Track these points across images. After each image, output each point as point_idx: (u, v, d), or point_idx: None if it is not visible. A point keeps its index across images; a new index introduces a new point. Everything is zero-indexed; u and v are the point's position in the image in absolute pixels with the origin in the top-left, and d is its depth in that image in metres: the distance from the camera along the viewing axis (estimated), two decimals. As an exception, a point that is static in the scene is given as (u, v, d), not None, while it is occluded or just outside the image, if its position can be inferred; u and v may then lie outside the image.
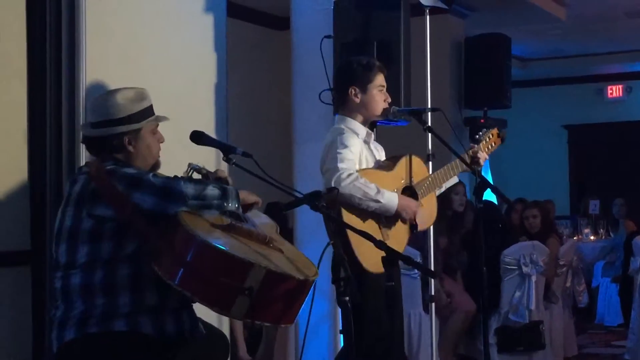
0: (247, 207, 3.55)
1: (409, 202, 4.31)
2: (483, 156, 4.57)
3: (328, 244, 3.38)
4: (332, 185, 4.12)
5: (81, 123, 3.94)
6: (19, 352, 3.96)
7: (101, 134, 3.44)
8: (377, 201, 4.17)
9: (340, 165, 4.17)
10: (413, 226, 4.40)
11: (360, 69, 4.44)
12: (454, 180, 4.63)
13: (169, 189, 3.27)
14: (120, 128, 3.42)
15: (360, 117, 4.43)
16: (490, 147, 4.68)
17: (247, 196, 3.52)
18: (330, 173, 4.17)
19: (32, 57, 4.03)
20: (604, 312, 10.15)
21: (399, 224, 4.35)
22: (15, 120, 3.99)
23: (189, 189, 3.27)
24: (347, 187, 4.10)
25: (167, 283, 3.15)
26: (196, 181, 3.38)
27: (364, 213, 4.20)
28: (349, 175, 4.13)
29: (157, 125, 3.56)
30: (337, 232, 3.79)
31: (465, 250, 7.57)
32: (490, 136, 4.70)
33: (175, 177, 3.40)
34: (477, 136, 4.68)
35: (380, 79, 4.43)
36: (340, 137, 4.30)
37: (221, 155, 3.63)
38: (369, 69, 4.42)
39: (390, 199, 4.22)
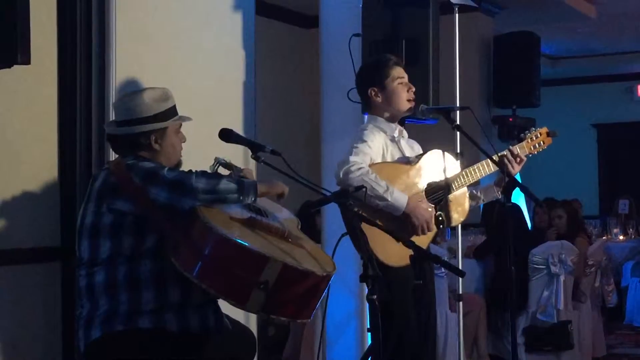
0: (277, 197, 3.57)
1: (422, 209, 4.22)
2: (522, 153, 4.43)
3: (343, 235, 3.38)
4: (341, 176, 4.09)
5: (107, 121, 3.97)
6: (50, 347, 3.99)
7: (128, 132, 3.46)
8: (385, 199, 4.11)
9: (352, 158, 4.14)
10: (442, 221, 4.36)
11: (374, 67, 4.44)
12: (495, 194, 4.54)
13: (180, 182, 3.28)
14: (148, 126, 3.45)
15: (387, 115, 4.42)
16: (536, 146, 4.58)
17: (271, 188, 3.51)
18: (340, 165, 4.14)
19: (62, 56, 4.06)
20: (633, 312, 10.07)
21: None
22: (46, 119, 4.02)
23: (200, 183, 3.27)
24: (354, 180, 4.06)
25: (186, 276, 3.17)
26: (210, 175, 3.37)
27: (377, 209, 4.14)
28: (359, 168, 4.09)
29: (181, 125, 3.59)
30: (352, 227, 3.78)
31: (492, 251, 7.55)
32: (538, 135, 4.59)
33: (190, 171, 3.40)
34: (522, 135, 4.59)
35: (396, 72, 4.40)
36: (361, 133, 4.30)
37: (250, 153, 3.64)
38: (383, 65, 4.41)
39: (399, 199, 4.14)
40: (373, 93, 4.39)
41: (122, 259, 3.30)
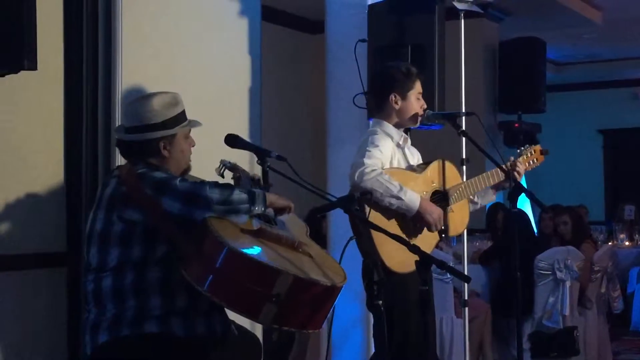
0: (278, 211, 3.55)
1: (433, 207, 4.27)
2: (522, 168, 4.53)
3: (350, 239, 3.37)
4: (355, 179, 4.12)
5: (115, 127, 3.97)
6: (55, 352, 3.99)
7: (137, 138, 3.46)
8: (399, 198, 4.14)
9: (366, 160, 4.17)
10: (442, 231, 4.38)
11: (401, 76, 4.44)
12: (491, 197, 4.60)
13: (195, 194, 3.27)
14: (157, 133, 3.45)
15: (395, 121, 4.43)
16: (531, 162, 4.63)
17: (277, 200, 3.50)
18: (354, 167, 4.17)
19: (68, 62, 4.07)
20: (639, 318, 10.05)
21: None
22: (52, 124, 4.03)
23: (214, 194, 3.26)
24: (369, 181, 4.08)
25: (196, 289, 3.16)
26: (222, 186, 3.36)
27: (388, 212, 4.18)
28: (373, 170, 4.12)
29: (190, 130, 3.59)
30: (361, 232, 3.79)
31: (498, 257, 7.55)
32: (532, 152, 4.66)
33: (202, 181, 3.39)
34: (519, 150, 4.64)
35: (418, 86, 4.44)
36: (372, 137, 4.32)
37: (255, 158, 3.64)
38: (409, 76, 4.43)
39: (412, 198, 4.18)
40: (394, 99, 4.39)
41: (130, 266, 3.31)
